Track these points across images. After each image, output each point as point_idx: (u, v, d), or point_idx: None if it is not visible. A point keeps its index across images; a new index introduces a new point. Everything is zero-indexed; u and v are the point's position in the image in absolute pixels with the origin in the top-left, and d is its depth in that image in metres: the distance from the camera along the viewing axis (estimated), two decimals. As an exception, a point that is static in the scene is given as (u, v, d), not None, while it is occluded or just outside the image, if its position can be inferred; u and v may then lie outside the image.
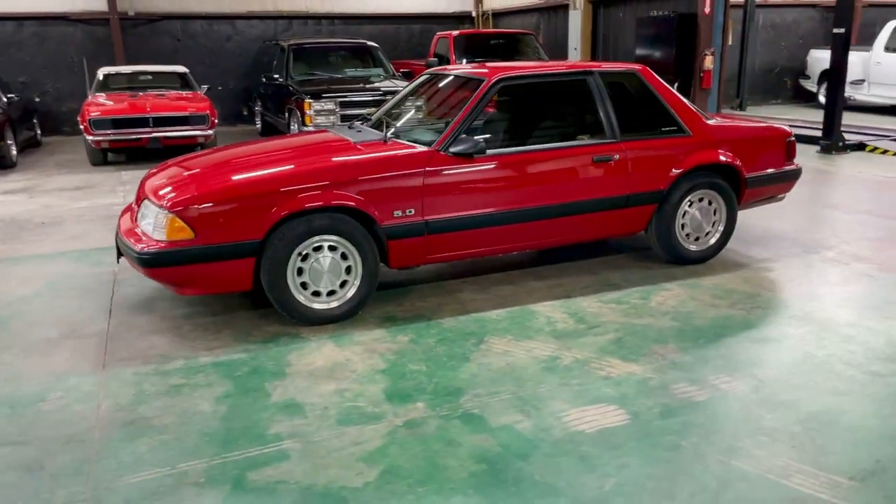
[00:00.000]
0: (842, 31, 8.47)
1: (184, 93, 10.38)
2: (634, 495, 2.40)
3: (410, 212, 3.90)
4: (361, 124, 4.87)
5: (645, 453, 2.64)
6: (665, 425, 2.83)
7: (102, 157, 9.58)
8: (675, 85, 9.95)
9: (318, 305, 3.85)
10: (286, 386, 3.22)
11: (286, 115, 10.05)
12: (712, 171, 4.65)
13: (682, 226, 4.66)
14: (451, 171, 3.98)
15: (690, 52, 9.67)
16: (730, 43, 10.03)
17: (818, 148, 9.02)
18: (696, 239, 4.75)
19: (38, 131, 11.92)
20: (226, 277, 3.69)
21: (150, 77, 10.76)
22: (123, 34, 13.25)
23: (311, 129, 8.71)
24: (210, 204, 3.59)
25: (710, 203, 4.71)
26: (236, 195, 3.63)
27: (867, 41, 13.22)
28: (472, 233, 4.11)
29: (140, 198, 4.00)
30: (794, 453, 2.62)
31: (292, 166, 3.97)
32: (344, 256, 3.85)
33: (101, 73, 10.60)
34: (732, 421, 2.86)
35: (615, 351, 3.51)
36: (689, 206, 4.64)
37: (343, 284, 3.89)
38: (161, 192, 3.74)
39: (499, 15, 15.54)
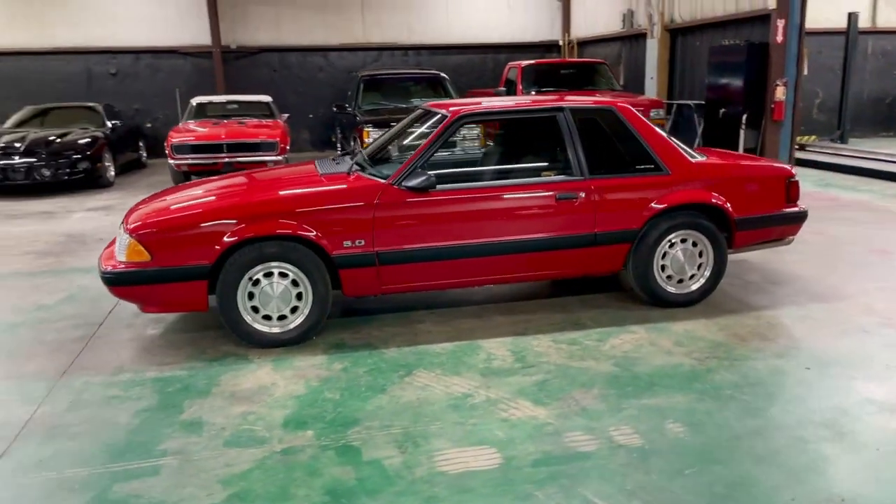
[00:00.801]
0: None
1: (264, 121, 11.08)
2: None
3: (360, 242, 4.01)
4: (350, 157, 5.04)
5: (491, 500, 2.58)
6: (531, 473, 2.74)
7: (184, 179, 10.36)
8: (744, 117, 9.48)
9: (268, 329, 4.04)
10: (202, 405, 3.41)
11: (351, 142, 10.47)
12: (696, 211, 4.44)
13: (663, 267, 4.47)
14: (404, 205, 4.06)
15: (762, 82, 9.18)
16: (805, 73, 9.40)
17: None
18: (680, 281, 4.53)
19: (144, 154, 13.16)
20: (180, 298, 3.96)
21: (236, 106, 11.59)
22: (225, 66, 14.37)
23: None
24: (165, 229, 3.88)
25: (694, 245, 4.49)
26: (187, 223, 3.91)
27: None
28: (426, 265, 4.15)
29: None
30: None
31: (244, 198, 4.19)
32: (295, 283, 4.02)
33: (194, 101, 11.55)
34: (600, 476, 2.72)
35: (532, 393, 3.42)
36: (670, 246, 4.44)
37: (294, 310, 4.05)
38: (129, 219, 4.09)
39: (585, 43, 15.40)
